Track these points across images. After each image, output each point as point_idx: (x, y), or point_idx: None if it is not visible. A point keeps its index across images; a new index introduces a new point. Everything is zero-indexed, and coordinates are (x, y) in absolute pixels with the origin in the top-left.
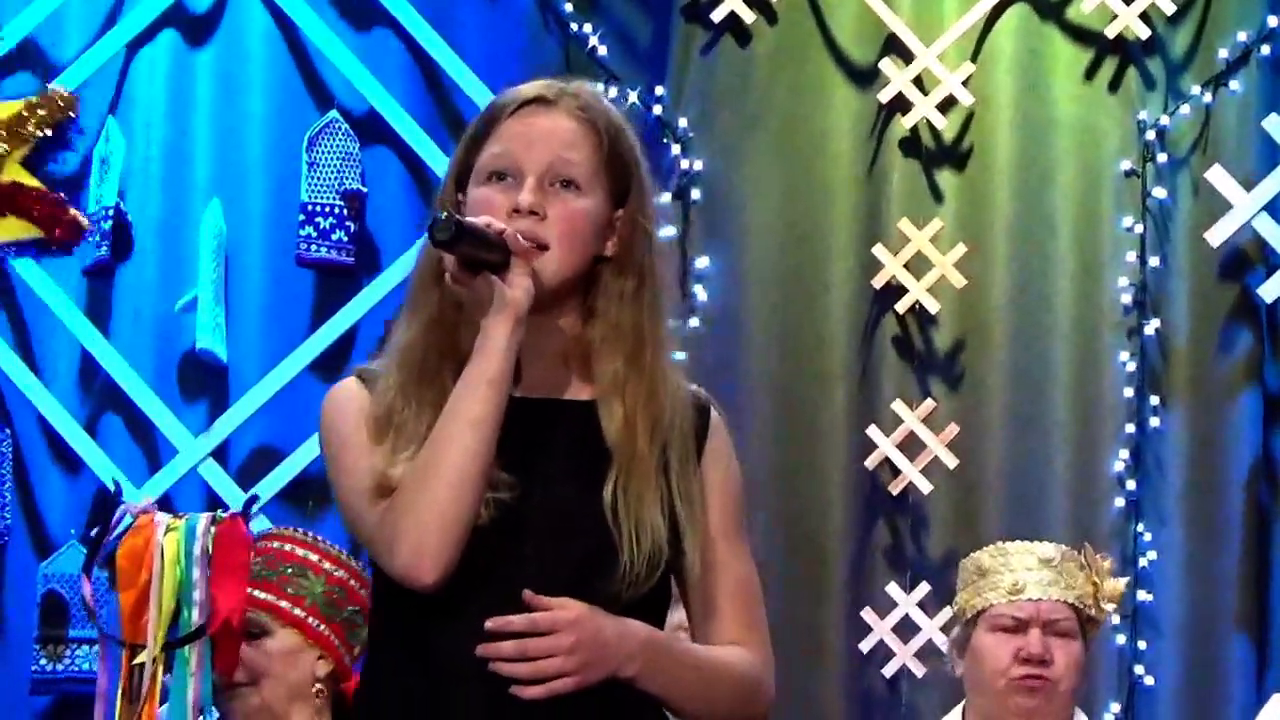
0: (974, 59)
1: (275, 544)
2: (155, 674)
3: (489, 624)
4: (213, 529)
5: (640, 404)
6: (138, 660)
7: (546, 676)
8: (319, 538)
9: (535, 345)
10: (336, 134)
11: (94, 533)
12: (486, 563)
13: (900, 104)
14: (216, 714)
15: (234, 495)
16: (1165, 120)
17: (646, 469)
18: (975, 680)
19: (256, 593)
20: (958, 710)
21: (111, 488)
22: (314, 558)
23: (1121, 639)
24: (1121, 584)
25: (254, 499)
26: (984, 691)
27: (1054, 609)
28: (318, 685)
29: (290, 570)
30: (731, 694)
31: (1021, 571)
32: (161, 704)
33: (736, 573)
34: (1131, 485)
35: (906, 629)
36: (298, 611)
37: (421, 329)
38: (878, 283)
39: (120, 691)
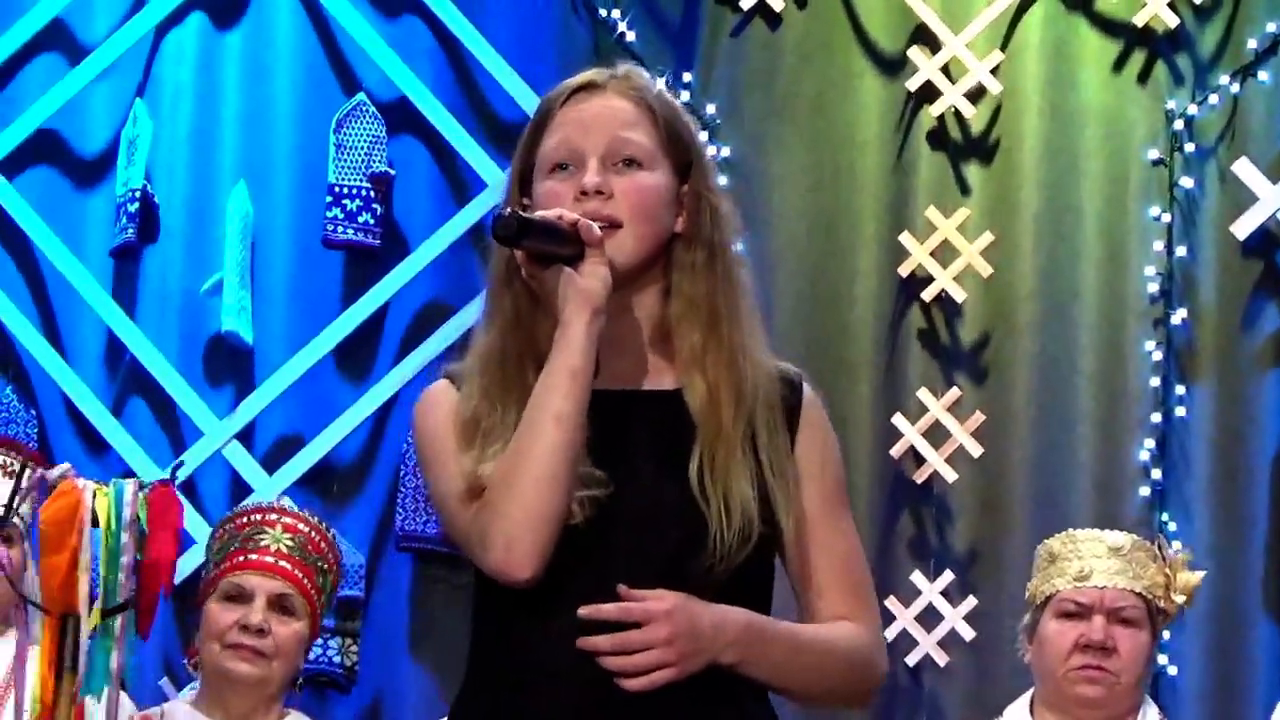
0: (1003, 48)
1: (304, 528)
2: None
3: (582, 611)
4: (141, 495)
5: (721, 376)
6: (85, 630)
7: (645, 669)
8: (329, 527)
9: (617, 335)
10: (364, 116)
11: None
12: (582, 559)
13: (928, 93)
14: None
15: (259, 478)
16: (1193, 110)
17: (732, 441)
18: (1040, 667)
19: (298, 572)
20: (1026, 696)
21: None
22: (331, 556)
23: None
24: (1196, 577)
25: (179, 465)
26: (1047, 678)
27: (1120, 596)
28: (300, 679)
29: (318, 562)
30: (841, 672)
31: (1090, 559)
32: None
33: (840, 548)
34: (1157, 475)
35: (930, 618)
36: (317, 604)
37: (500, 331)
38: (904, 271)
39: (45, 660)
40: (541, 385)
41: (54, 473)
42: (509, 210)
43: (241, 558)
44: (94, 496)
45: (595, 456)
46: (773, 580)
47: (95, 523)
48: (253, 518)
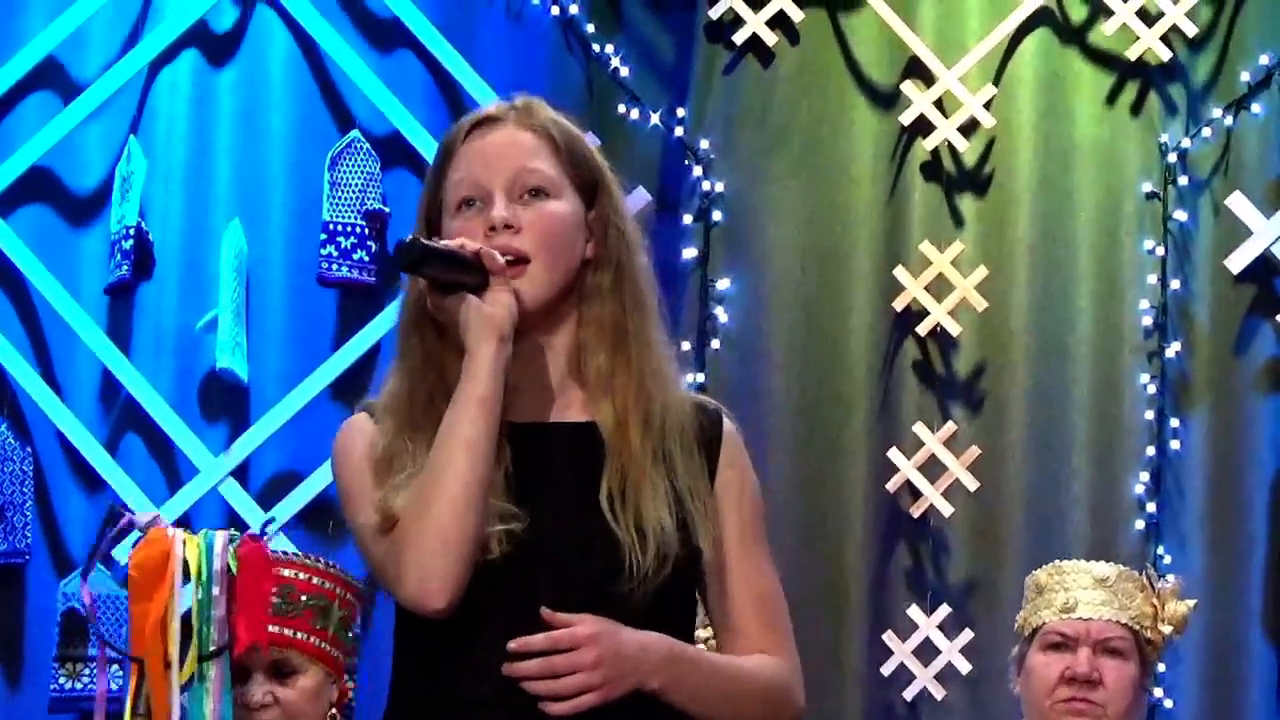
0: (996, 82)
1: (288, 573)
2: (174, 691)
3: (511, 645)
4: (231, 548)
5: (629, 399)
6: (181, 678)
7: (571, 693)
8: (317, 556)
9: (531, 369)
10: (359, 154)
11: (97, 542)
12: (503, 593)
13: (922, 126)
14: None
15: (254, 515)
16: (1187, 143)
17: (642, 463)
18: (1028, 699)
19: (285, 630)
20: None
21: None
22: (328, 585)
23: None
24: (1186, 606)
25: (269, 521)
26: (1035, 711)
27: (1105, 628)
28: (333, 711)
29: (310, 601)
30: (760, 703)
31: (1076, 590)
32: None
33: (758, 582)
34: (1152, 508)
35: (927, 652)
36: (324, 646)
37: (410, 370)
38: (899, 305)
39: (129, 707)
40: (450, 414)
41: (143, 519)
42: (410, 237)
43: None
44: (184, 545)
45: (511, 490)
46: (695, 606)
47: (186, 572)
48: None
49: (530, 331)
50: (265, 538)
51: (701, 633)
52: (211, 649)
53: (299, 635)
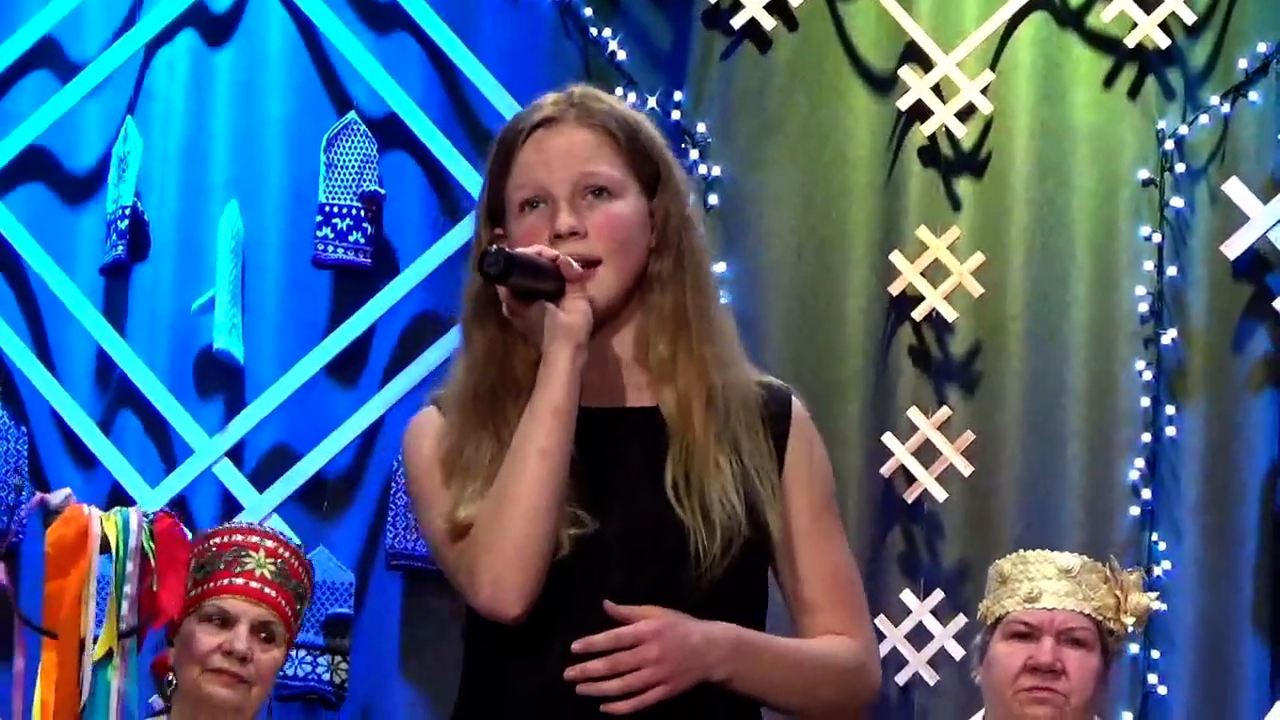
0: (993, 67)
1: (285, 554)
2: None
3: (576, 646)
4: (147, 525)
5: (692, 384)
6: (96, 654)
7: (636, 690)
8: (301, 547)
9: (596, 355)
10: (355, 135)
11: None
12: (571, 590)
13: (919, 111)
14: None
15: (249, 496)
16: (1184, 130)
17: (706, 448)
18: (990, 688)
19: (280, 600)
20: (978, 716)
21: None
22: (306, 583)
23: (1135, 648)
24: (1148, 599)
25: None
26: (995, 700)
27: (1069, 619)
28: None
29: (297, 588)
30: (834, 685)
31: (1040, 580)
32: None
33: (831, 562)
34: (1146, 494)
35: (920, 636)
36: (293, 630)
37: (475, 366)
38: (894, 290)
39: (49, 684)
40: (525, 422)
41: (56, 497)
42: (495, 247)
43: (226, 580)
44: (101, 522)
45: (577, 476)
46: (766, 590)
47: (104, 549)
48: (234, 538)
49: (600, 326)
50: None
51: None
52: (122, 627)
53: (287, 610)
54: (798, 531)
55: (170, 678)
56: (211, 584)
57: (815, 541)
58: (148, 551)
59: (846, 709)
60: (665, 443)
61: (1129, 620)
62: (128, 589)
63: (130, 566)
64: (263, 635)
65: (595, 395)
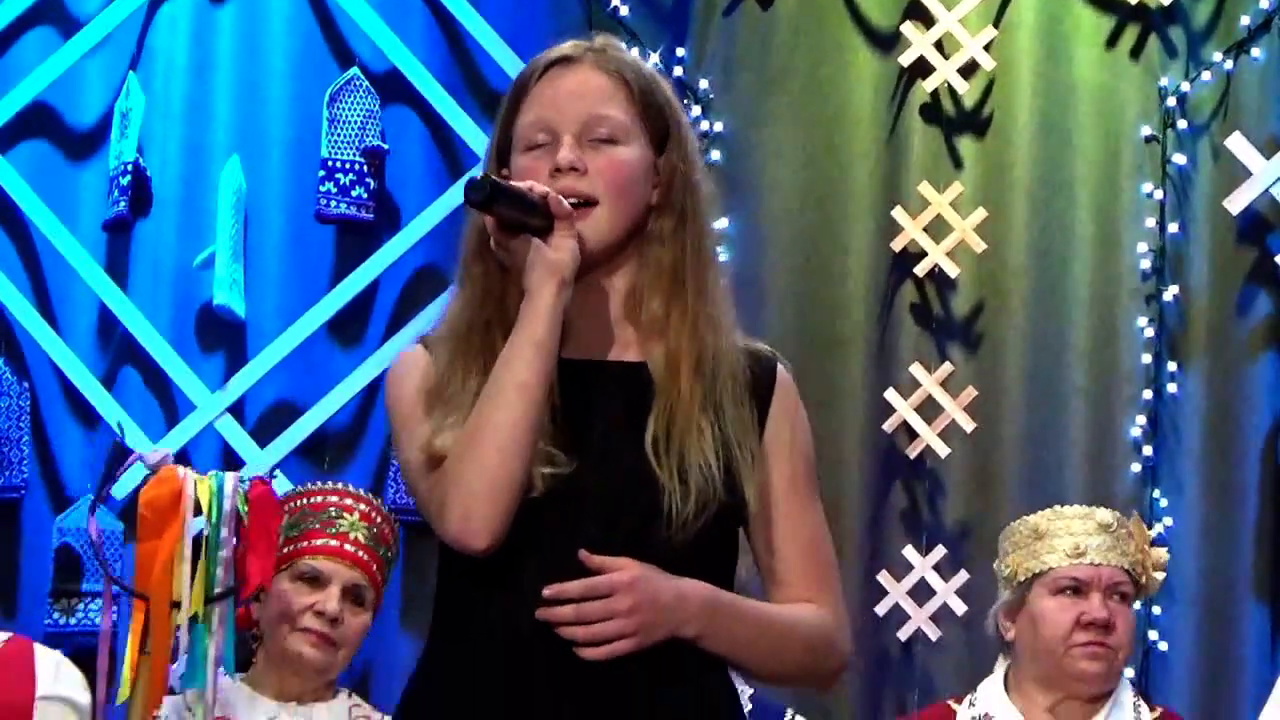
0: (996, 24)
1: (377, 519)
2: (178, 630)
3: (547, 591)
4: (241, 490)
5: (683, 344)
6: (180, 618)
7: (605, 639)
8: (392, 512)
9: (589, 306)
10: (358, 91)
11: (105, 477)
12: (543, 531)
13: (921, 68)
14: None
15: (250, 451)
16: (1186, 87)
17: (690, 409)
18: (1031, 645)
19: (373, 564)
20: (999, 673)
21: (117, 430)
22: (394, 548)
23: (1136, 604)
24: (1164, 553)
25: (275, 467)
26: (1041, 657)
27: (1114, 574)
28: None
29: (386, 553)
30: (801, 652)
31: (1081, 535)
32: (174, 660)
33: (805, 531)
34: (1148, 451)
35: (922, 592)
36: (381, 595)
37: (471, 300)
38: (897, 246)
39: (131, 644)
40: (505, 355)
41: (153, 457)
42: (483, 175)
43: (320, 540)
44: (194, 485)
45: (558, 425)
46: (736, 554)
47: (197, 512)
48: (329, 499)
49: (590, 270)
50: (272, 481)
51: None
52: (218, 590)
53: (378, 575)
54: (775, 500)
55: (255, 632)
56: (305, 542)
57: (792, 511)
58: (242, 516)
59: (813, 677)
60: (649, 399)
61: (1159, 576)
62: (222, 553)
63: (224, 531)
64: (354, 598)
65: (582, 347)
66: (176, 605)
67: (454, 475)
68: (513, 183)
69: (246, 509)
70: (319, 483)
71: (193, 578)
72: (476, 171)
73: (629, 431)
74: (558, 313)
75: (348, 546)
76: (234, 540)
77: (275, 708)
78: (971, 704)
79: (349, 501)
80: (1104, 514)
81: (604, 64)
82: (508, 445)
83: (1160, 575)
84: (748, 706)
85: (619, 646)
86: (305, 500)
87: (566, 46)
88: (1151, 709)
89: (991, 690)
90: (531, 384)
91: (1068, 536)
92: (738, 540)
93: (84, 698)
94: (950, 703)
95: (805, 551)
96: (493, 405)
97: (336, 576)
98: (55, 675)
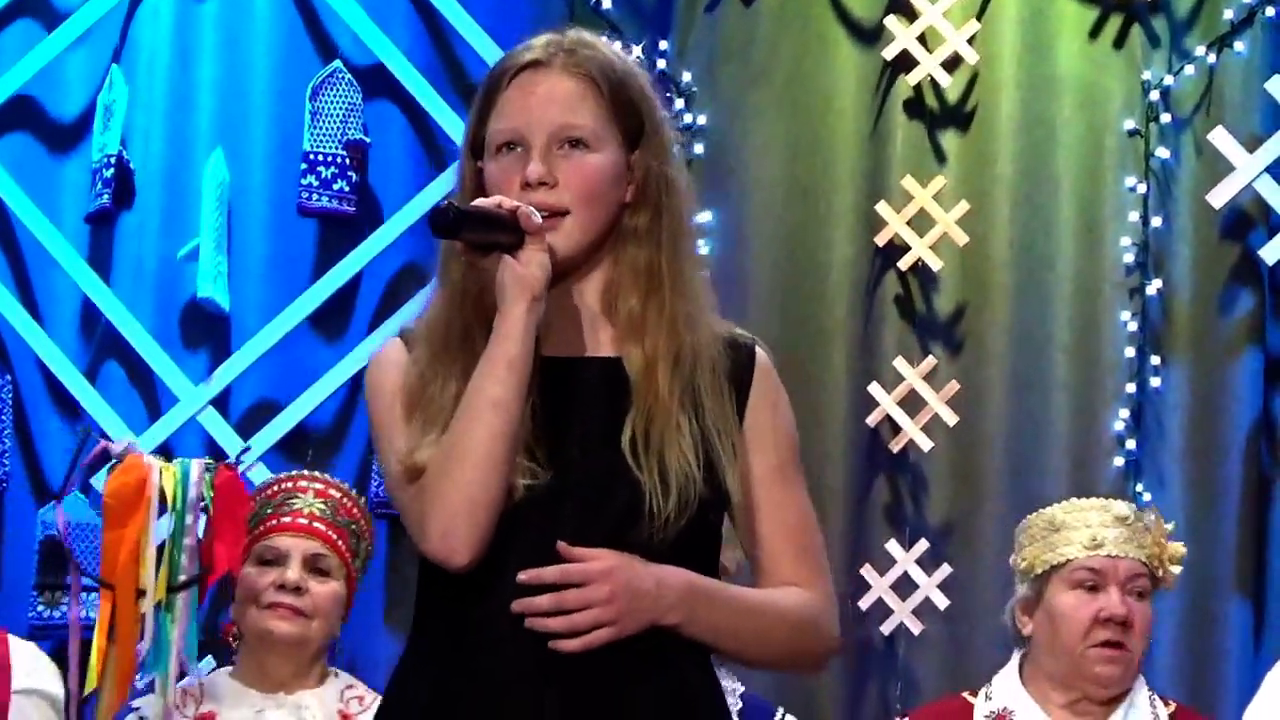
0: (979, 17)
1: (335, 494)
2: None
3: (522, 576)
4: (207, 476)
5: (660, 344)
6: (146, 605)
7: (583, 629)
8: (358, 493)
9: (563, 305)
10: (340, 84)
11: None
12: (524, 534)
13: (904, 62)
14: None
15: (234, 444)
16: (1169, 80)
17: (668, 409)
18: (1049, 642)
19: (331, 533)
20: (1013, 666)
21: (79, 434)
22: (362, 523)
23: None
24: (1181, 547)
25: (245, 450)
26: (1059, 655)
27: (1132, 566)
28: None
29: (350, 525)
30: (788, 636)
31: (1099, 527)
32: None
33: (791, 514)
34: (1131, 445)
35: (904, 586)
36: (353, 567)
37: (449, 300)
38: (880, 240)
39: (99, 632)
40: (479, 372)
41: (118, 446)
42: (446, 202)
43: (274, 521)
44: (160, 473)
45: (537, 424)
46: (719, 546)
47: (162, 499)
48: (284, 485)
49: (565, 276)
50: (240, 465)
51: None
52: (182, 578)
53: (340, 544)
54: (759, 485)
55: (235, 633)
56: (261, 528)
57: (776, 495)
58: (207, 502)
59: (801, 661)
60: (626, 397)
61: (1175, 570)
62: (186, 540)
63: (189, 518)
64: (314, 568)
65: (558, 344)
66: (143, 594)
67: (433, 492)
68: (479, 202)
69: (212, 494)
70: (281, 475)
71: (158, 566)
72: (451, 173)
73: (607, 432)
74: (531, 329)
75: (300, 520)
76: (197, 528)
77: (262, 699)
78: (988, 697)
79: (303, 483)
80: (1121, 506)
81: (573, 67)
82: (485, 463)
83: (1177, 569)
84: (738, 705)
85: (597, 636)
86: (263, 494)
87: (537, 47)
88: (1166, 704)
89: (1008, 683)
90: (506, 402)
91: (1084, 528)
92: (719, 537)
93: (60, 690)
94: (966, 695)
95: (790, 536)
96: (469, 424)
97: (294, 549)
98: (31, 668)
